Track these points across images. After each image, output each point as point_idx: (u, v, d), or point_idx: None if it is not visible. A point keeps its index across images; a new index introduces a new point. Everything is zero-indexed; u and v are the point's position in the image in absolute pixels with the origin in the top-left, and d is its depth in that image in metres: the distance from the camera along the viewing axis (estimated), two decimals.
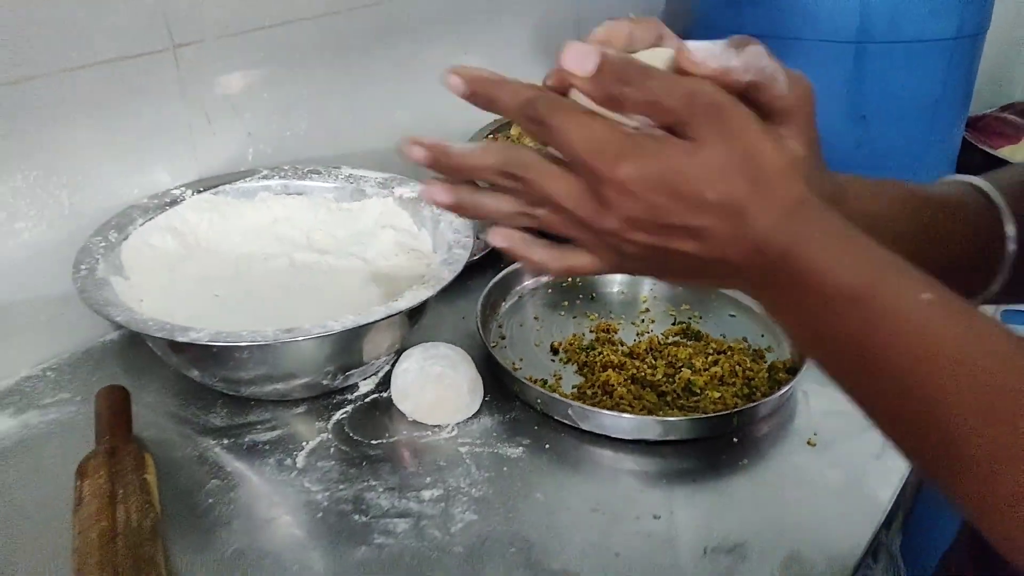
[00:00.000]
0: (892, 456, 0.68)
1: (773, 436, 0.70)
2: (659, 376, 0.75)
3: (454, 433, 0.70)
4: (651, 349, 0.80)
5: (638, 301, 0.90)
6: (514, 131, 1.14)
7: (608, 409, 0.69)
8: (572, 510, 0.62)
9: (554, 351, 0.81)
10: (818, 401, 0.74)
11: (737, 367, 0.76)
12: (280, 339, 0.60)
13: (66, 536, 0.57)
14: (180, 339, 0.59)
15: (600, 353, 0.78)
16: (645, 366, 0.76)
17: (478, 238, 0.83)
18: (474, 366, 0.73)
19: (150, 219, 0.77)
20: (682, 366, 0.76)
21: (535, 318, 0.86)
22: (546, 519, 0.61)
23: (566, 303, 0.89)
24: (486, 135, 1.15)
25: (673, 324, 0.85)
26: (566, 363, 0.79)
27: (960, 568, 0.59)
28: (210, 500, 0.62)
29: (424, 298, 0.66)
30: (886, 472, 0.66)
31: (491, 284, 0.84)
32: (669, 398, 0.73)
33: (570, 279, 0.92)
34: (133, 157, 0.78)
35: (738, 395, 0.73)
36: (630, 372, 0.75)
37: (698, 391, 0.74)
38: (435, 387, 0.70)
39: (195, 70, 0.80)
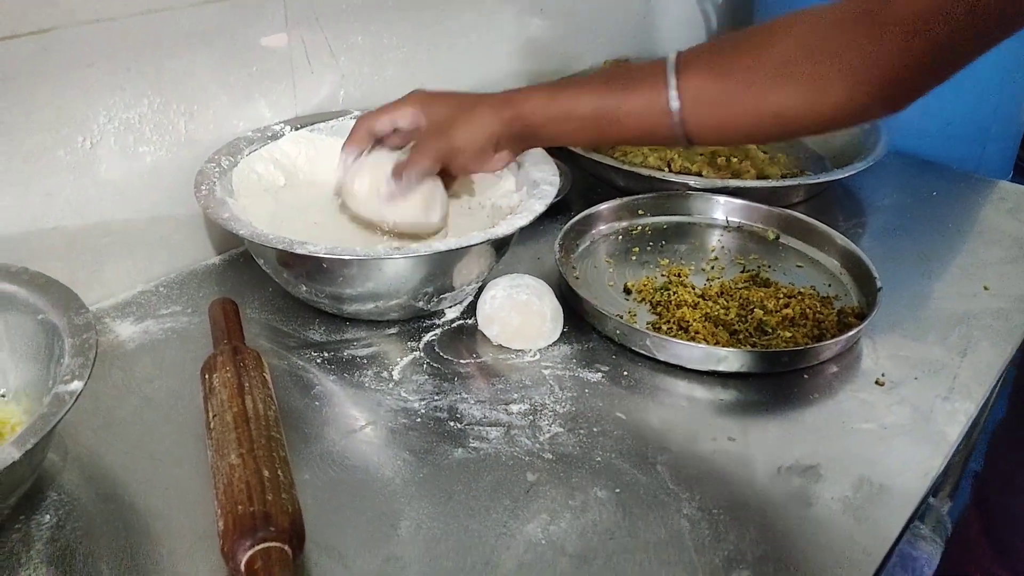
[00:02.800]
0: (959, 397, 0.71)
1: (842, 375, 0.74)
2: (732, 316, 0.78)
3: (536, 357, 0.74)
4: (722, 292, 0.83)
5: (707, 250, 0.94)
6: None
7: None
8: (652, 428, 0.67)
9: (627, 291, 0.85)
10: (885, 346, 0.77)
11: (808, 310, 0.79)
12: (389, 255, 0.65)
13: (194, 422, 0.62)
14: (299, 251, 0.64)
15: (674, 293, 0.82)
16: (718, 307, 0.80)
17: (562, 176, 0.87)
18: (555, 296, 0.77)
19: (255, 150, 0.83)
20: (754, 307, 0.80)
21: (607, 261, 0.90)
22: (628, 433, 0.66)
23: (636, 249, 0.93)
24: None
25: (742, 271, 0.89)
26: (639, 302, 0.83)
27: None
28: (315, 403, 0.68)
29: (519, 225, 0.70)
30: (953, 412, 0.69)
31: (567, 226, 0.88)
32: (741, 336, 0.77)
33: (640, 227, 0.96)
34: (241, 91, 0.83)
35: (808, 336, 0.76)
36: (703, 311, 0.79)
37: (770, 330, 0.77)
38: (521, 313, 0.74)
39: (300, 10, 0.85)
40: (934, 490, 0.71)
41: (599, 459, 0.63)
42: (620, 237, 0.95)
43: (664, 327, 0.78)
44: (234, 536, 0.49)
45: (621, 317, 0.79)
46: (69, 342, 0.56)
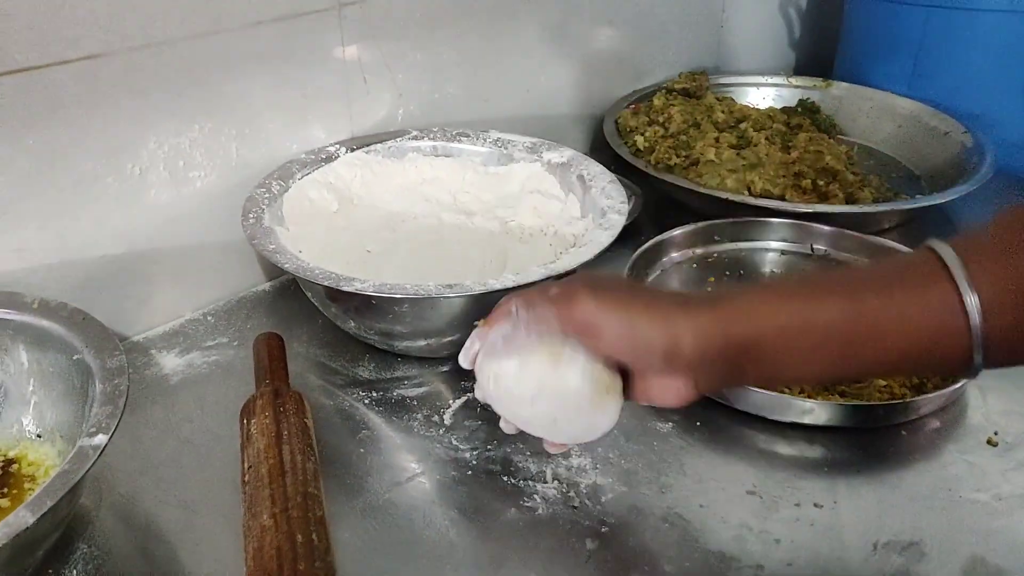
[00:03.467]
0: None
1: (946, 432, 0.65)
2: None
3: None
4: None
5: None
6: (656, 100, 1.11)
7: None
8: (726, 491, 0.60)
9: None
10: (997, 399, 0.68)
11: None
12: (441, 294, 0.60)
13: (230, 468, 0.59)
14: (345, 288, 0.60)
15: None
16: None
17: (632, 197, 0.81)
18: None
19: (307, 173, 0.79)
20: None
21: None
22: (699, 498, 0.59)
23: (712, 278, 0.86)
24: (626, 105, 1.13)
25: None
26: None
27: None
28: (360, 449, 0.63)
29: (583, 260, 0.64)
30: None
31: (637, 254, 0.82)
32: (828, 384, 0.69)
33: (716, 255, 0.89)
34: (294, 113, 0.80)
35: (906, 385, 0.68)
36: None
37: (861, 379, 0.69)
38: None
39: (356, 29, 0.81)
40: None
41: (667, 526, 0.56)
42: (695, 265, 0.88)
43: None
44: None
45: None
46: (99, 387, 0.53)
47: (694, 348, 0.47)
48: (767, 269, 0.88)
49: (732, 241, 0.90)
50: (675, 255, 0.87)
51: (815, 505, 0.58)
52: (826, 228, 0.89)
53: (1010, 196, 1.03)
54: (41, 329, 0.59)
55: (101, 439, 0.49)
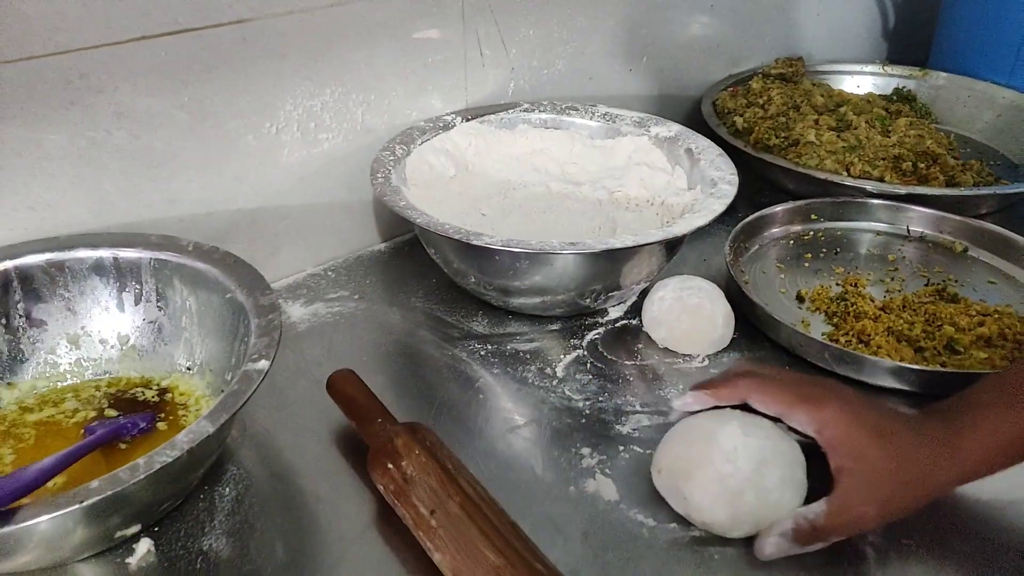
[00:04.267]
0: None
1: None
2: (917, 331, 0.72)
3: (705, 363, 0.71)
4: (905, 306, 0.77)
5: (886, 260, 0.87)
6: (755, 84, 1.13)
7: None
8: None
9: (800, 299, 0.80)
10: None
11: (1007, 330, 0.72)
12: (565, 250, 0.63)
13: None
14: (475, 243, 0.64)
15: (853, 304, 0.76)
16: (901, 321, 0.74)
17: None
18: (726, 300, 0.74)
19: (426, 140, 0.83)
20: (942, 324, 0.73)
21: (778, 267, 0.85)
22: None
23: (809, 255, 0.87)
24: (724, 88, 1.14)
25: (926, 285, 0.82)
26: (813, 311, 0.78)
27: None
28: (480, 397, 0.67)
29: (698, 225, 0.67)
30: None
31: (738, 228, 0.84)
32: (928, 354, 0.70)
33: (813, 233, 0.90)
34: (416, 82, 0.84)
35: (1007, 359, 0.69)
36: (885, 324, 0.73)
37: (961, 350, 0.70)
38: (691, 316, 0.71)
39: (476, 4, 0.85)
40: None
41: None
42: (792, 242, 0.90)
43: (842, 339, 0.72)
44: None
45: (795, 326, 0.75)
46: (255, 322, 0.58)
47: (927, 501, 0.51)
48: (864, 250, 0.89)
49: (829, 220, 0.92)
50: (775, 231, 0.90)
51: None
52: (924, 210, 0.89)
53: None
54: (196, 270, 0.64)
55: (264, 364, 0.53)
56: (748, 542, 0.53)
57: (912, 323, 0.74)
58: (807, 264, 0.86)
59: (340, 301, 0.79)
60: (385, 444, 0.55)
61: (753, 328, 0.75)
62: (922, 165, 0.94)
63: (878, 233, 0.91)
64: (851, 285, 0.81)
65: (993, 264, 0.86)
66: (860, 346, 0.71)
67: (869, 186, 0.91)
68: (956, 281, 0.83)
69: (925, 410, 0.53)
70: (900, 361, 0.68)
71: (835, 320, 0.76)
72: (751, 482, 0.52)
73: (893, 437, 0.50)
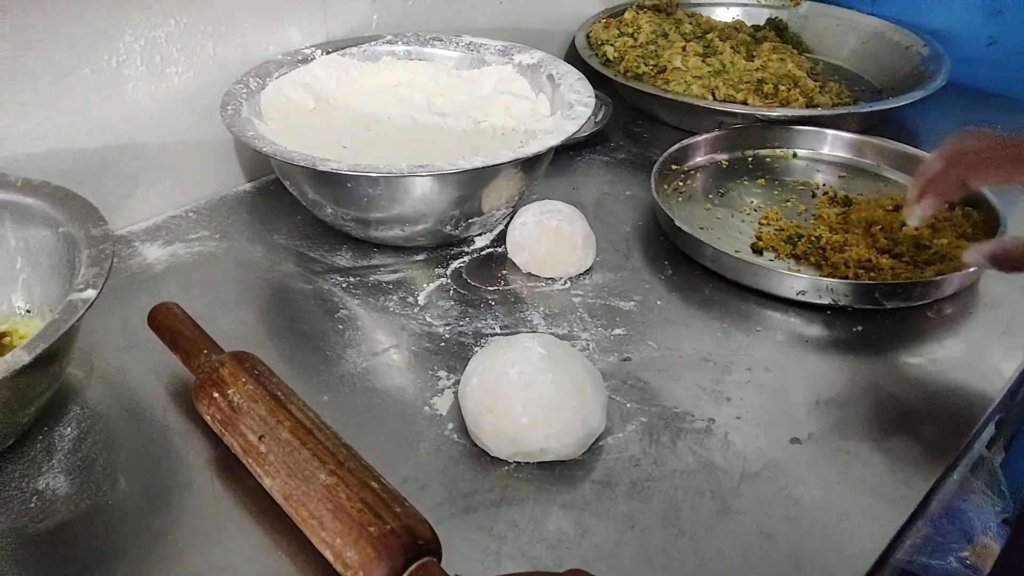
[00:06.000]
0: (1018, 333, 0.66)
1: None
2: (882, 241, 0.73)
3: (567, 286, 0.72)
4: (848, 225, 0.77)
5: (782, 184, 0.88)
6: (627, 15, 1.13)
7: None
8: (684, 358, 0.64)
9: (757, 251, 0.77)
10: None
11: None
12: (413, 172, 0.63)
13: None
14: (321, 168, 0.62)
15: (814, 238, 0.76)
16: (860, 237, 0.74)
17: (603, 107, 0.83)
18: (587, 223, 0.74)
19: (284, 73, 0.81)
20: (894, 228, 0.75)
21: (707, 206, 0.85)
22: (658, 363, 0.63)
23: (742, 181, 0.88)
24: (598, 20, 1.14)
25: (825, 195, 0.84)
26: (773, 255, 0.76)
27: None
28: (339, 327, 0.67)
29: (550, 145, 0.67)
30: (1010, 347, 0.65)
31: (661, 160, 0.84)
32: (905, 259, 0.72)
33: (738, 159, 0.92)
34: (271, 13, 0.81)
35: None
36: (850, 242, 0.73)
37: (928, 244, 0.73)
38: (551, 240, 0.71)
39: None
40: (973, 465, 0.69)
41: (627, 386, 0.61)
42: (721, 168, 0.90)
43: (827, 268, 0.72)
44: (382, 562, 0.42)
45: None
46: (86, 253, 0.55)
47: None
48: (789, 178, 0.89)
49: (753, 149, 0.93)
50: (699, 159, 0.90)
51: (765, 369, 0.63)
52: (845, 135, 0.91)
53: (966, 106, 1.07)
54: (25, 206, 0.61)
55: (90, 293, 0.51)
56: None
57: (873, 235, 0.74)
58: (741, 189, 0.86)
59: (201, 241, 0.77)
60: (210, 374, 0.53)
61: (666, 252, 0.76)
62: (783, 87, 0.96)
63: (795, 155, 0.93)
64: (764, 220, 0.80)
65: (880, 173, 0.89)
66: (861, 272, 0.70)
67: (733, 108, 0.92)
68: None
69: None
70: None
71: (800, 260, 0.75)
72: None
73: None
